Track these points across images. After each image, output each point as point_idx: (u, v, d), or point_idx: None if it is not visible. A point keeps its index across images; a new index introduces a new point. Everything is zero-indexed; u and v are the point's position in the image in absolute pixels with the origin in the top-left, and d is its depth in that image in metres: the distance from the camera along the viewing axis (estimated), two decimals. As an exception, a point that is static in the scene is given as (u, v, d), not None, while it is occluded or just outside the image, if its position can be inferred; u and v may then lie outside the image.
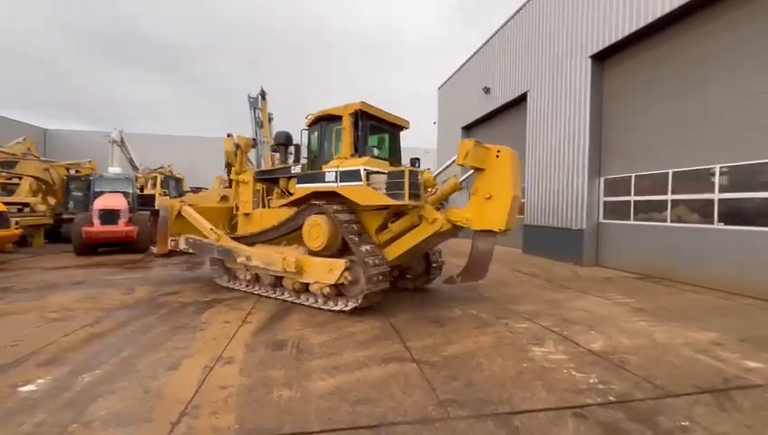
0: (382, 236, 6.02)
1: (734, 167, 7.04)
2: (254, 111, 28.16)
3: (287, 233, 6.77)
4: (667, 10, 7.87)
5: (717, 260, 7.19)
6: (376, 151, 6.27)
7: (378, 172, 5.59)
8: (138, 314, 5.50)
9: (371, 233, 6.01)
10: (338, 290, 5.61)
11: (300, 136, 7.17)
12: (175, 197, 14.25)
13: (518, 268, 9.95)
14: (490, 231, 5.27)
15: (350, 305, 5.44)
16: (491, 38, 15.93)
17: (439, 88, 22.22)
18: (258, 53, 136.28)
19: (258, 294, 6.64)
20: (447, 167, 5.35)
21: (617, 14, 9.23)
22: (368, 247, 5.51)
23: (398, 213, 6.10)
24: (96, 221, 11.38)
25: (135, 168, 24.07)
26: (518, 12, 13.73)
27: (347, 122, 6.18)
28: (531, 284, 8.04)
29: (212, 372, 3.60)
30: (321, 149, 6.69)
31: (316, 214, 6.02)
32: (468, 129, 18.60)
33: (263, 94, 23.48)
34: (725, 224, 7.11)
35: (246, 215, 8.19)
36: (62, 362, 3.79)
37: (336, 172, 5.90)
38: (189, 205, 7.98)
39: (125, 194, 12.70)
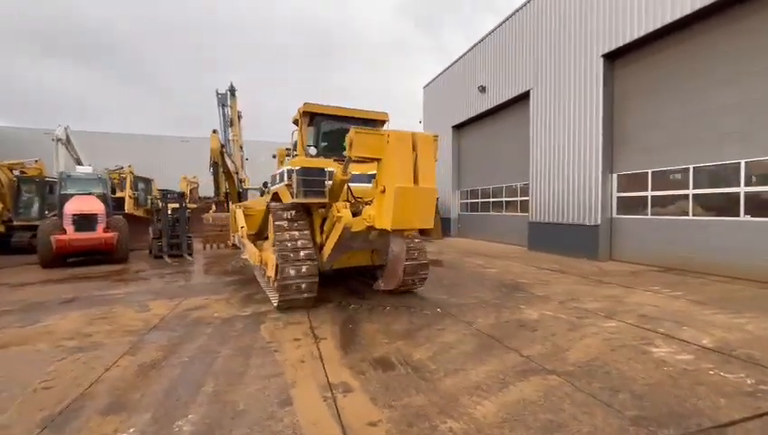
0: (324, 235, 5.99)
1: (760, 161, 7.40)
2: (223, 109, 26.40)
3: (264, 230, 7.72)
4: (688, 11, 8.16)
5: (744, 251, 7.52)
6: (312, 150, 6.35)
7: (292, 171, 5.66)
8: (179, 335, 4.60)
9: (317, 232, 6.12)
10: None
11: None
12: (158, 199, 12.77)
13: (539, 265, 9.90)
14: (396, 231, 4.48)
15: (276, 301, 5.70)
16: (484, 38, 16.00)
17: (425, 87, 22.09)
18: (210, 52, 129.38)
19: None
20: (349, 160, 4.78)
21: (630, 15, 9.48)
22: (294, 246, 5.45)
23: None
24: (69, 228, 9.79)
25: (83, 169, 21.60)
26: (516, 12, 13.86)
27: (299, 124, 6.49)
28: (568, 280, 7.96)
29: (338, 403, 2.95)
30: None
31: (269, 214, 6.38)
32: (459, 127, 18.60)
33: (232, 91, 22.01)
34: (753, 216, 7.46)
35: None
36: (131, 406, 2.93)
37: (278, 174, 6.62)
38: (244, 208, 8.63)
39: (100, 196, 11.08)
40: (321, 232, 6.17)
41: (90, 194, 11.00)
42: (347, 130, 6.97)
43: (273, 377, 3.43)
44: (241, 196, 19.00)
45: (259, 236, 8.52)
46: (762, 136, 7.32)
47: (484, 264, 10.31)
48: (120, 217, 11.69)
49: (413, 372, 3.52)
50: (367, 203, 5.36)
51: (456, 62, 18.51)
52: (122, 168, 21.98)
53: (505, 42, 14.54)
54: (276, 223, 5.74)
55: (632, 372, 3.52)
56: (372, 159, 4.59)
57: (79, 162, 20.27)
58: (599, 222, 10.40)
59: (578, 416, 2.76)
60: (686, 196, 8.67)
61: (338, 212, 5.26)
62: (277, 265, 5.48)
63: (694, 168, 8.52)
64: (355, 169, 5.57)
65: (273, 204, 6.31)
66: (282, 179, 6.49)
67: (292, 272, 5.30)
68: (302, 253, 5.44)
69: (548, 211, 12.36)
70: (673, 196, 9.01)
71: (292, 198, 5.57)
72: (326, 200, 5.55)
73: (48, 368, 3.64)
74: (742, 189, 7.63)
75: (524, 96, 13.66)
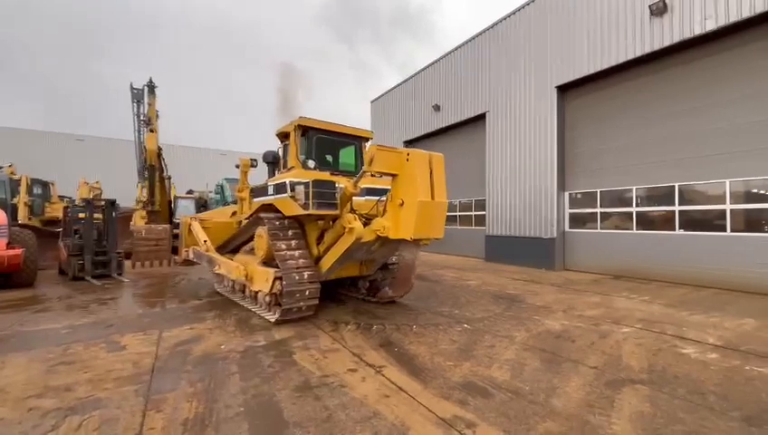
0: (321, 247, 6.05)
1: (690, 185, 8.97)
2: (138, 106, 23.48)
3: (244, 243, 7.52)
4: (630, 56, 9.66)
5: (679, 260, 8.96)
6: (311, 163, 6.46)
7: (299, 183, 5.69)
8: (200, 378, 3.67)
9: (312, 244, 6.13)
10: (276, 299, 5.66)
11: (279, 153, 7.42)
12: (80, 206, 10.36)
13: (509, 276, 10.46)
14: (411, 241, 4.89)
15: (274, 316, 5.54)
16: (440, 59, 16.82)
17: (372, 101, 22.29)
18: (102, 42, 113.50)
19: (238, 303, 6.82)
20: (362, 175, 5.16)
21: (579, 54, 10.86)
22: (295, 259, 5.49)
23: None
24: (-46, 243, 7.35)
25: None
26: (473, 38, 14.88)
27: (292, 137, 6.57)
28: (548, 290, 8.52)
29: (477, 442, 2.61)
30: (285, 163, 7.00)
31: (261, 226, 6.16)
32: (410, 143, 19.07)
33: (151, 87, 19.55)
34: (686, 230, 8.95)
35: None
36: (224, 483, 2.19)
37: (273, 185, 6.38)
38: (201, 220, 8.25)
39: (-4, 202, 8.61)
40: (318, 244, 6.15)
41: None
42: (336, 145, 7.28)
43: (372, 419, 2.91)
44: (171, 204, 16.69)
45: (223, 249, 7.97)
46: (691, 164, 8.89)
47: (459, 276, 10.53)
48: (26, 229, 9.22)
49: (515, 396, 3.31)
50: (364, 215, 5.55)
51: (408, 79, 19.08)
52: (2, 167, 17.75)
53: (462, 65, 15.46)
54: (274, 234, 5.68)
55: (693, 373, 3.82)
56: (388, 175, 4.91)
57: None
58: (554, 235, 11.46)
59: (703, 423, 2.87)
60: (631, 213, 10.07)
61: (349, 224, 5.26)
62: (277, 278, 5.40)
63: (636, 189, 9.96)
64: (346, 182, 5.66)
65: (267, 216, 6.08)
66: (279, 191, 6.22)
67: (297, 284, 5.28)
68: (301, 262, 5.49)
69: (505, 225, 13.25)
70: (619, 212, 10.39)
71: (305, 209, 5.40)
72: (338, 212, 5.54)
73: (44, 444, 2.56)
74: (676, 208, 9.14)
75: (480, 117, 14.60)
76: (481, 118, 14.56)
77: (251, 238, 6.96)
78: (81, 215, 10.19)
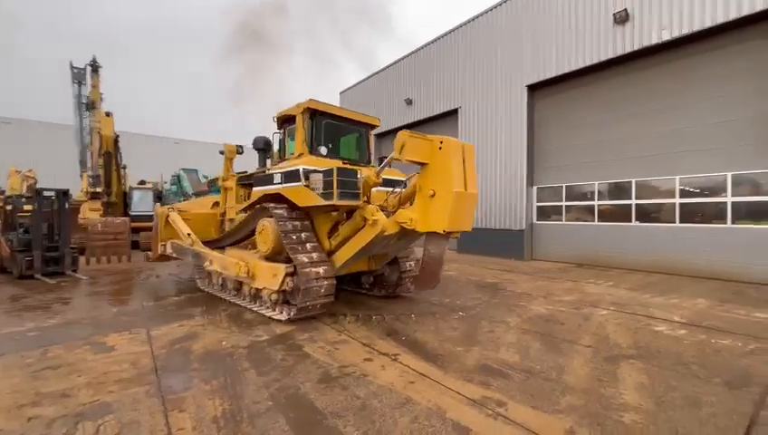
0: (334, 241, 5.78)
1: (645, 181, 9.89)
2: (79, 87, 21.53)
3: (244, 237, 6.83)
4: (595, 60, 10.38)
5: (636, 248, 9.88)
6: (323, 150, 6.12)
7: (315, 171, 5.40)
8: (212, 374, 3.52)
9: (323, 237, 5.87)
10: (285, 296, 5.42)
11: (273, 139, 7.04)
12: (23, 196, 9.21)
13: (484, 266, 10.93)
14: (439, 233, 4.62)
15: (285, 316, 5.25)
16: (411, 53, 16.93)
17: (341, 93, 21.99)
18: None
19: (229, 301, 6.42)
20: (387, 163, 4.88)
21: (547, 57, 11.47)
22: (309, 254, 5.25)
23: (350, 215, 5.73)
24: None
25: None
26: (446, 34, 15.13)
27: (299, 121, 6.12)
28: (524, 278, 9.03)
29: (510, 418, 2.77)
30: (284, 150, 6.65)
31: (265, 217, 5.87)
32: (381, 136, 19.08)
33: (94, 67, 17.98)
34: (641, 222, 9.88)
35: (231, 220, 7.68)
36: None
37: (281, 173, 5.87)
38: (179, 211, 7.77)
39: None
40: (329, 238, 5.85)
41: None
42: (341, 131, 6.98)
43: (406, 405, 2.98)
44: (126, 196, 15.48)
45: (211, 244, 7.42)
46: (646, 162, 9.80)
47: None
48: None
49: (530, 376, 3.53)
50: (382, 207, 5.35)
51: (378, 72, 19.03)
52: None
53: (434, 60, 15.68)
54: (285, 227, 5.36)
55: (672, 348, 4.29)
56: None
57: None
58: (524, 227, 12.12)
59: (695, 390, 3.25)
60: (592, 206, 10.91)
61: (372, 216, 4.99)
62: (288, 275, 5.15)
63: (598, 184, 10.79)
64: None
65: (276, 206, 5.65)
66: (290, 179, 5.68)
67: (315, 281, 5.01)
68: (315, 256, 5.25)
69: (477, 218, 13.75)
70: (582, 206, 11.21)
71: (326, 199, 5.02)
72: (360, 203, 5.17)
73: (63, 454, 2.34)
74: (633, 202, 10.05)
75: (452, 112, 14.96)
76: (453, 113, 14.92)
77: (252, 233, 6.45)
78: (27, 207, 9.14)
